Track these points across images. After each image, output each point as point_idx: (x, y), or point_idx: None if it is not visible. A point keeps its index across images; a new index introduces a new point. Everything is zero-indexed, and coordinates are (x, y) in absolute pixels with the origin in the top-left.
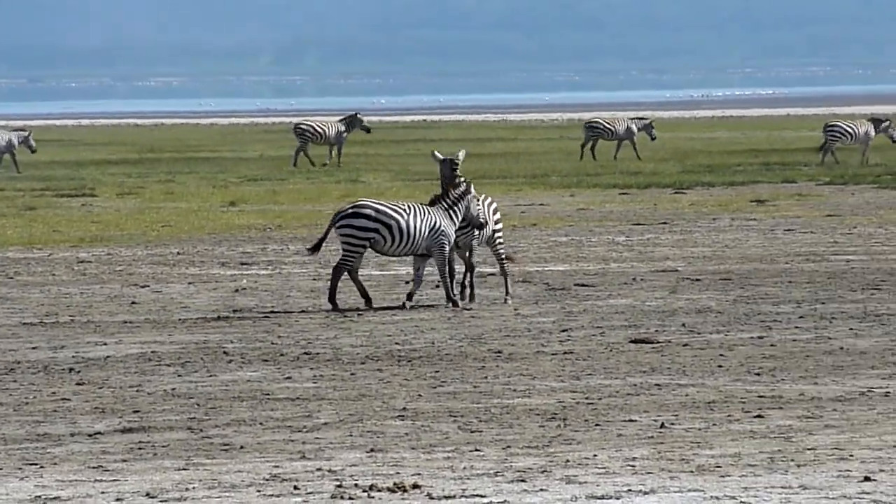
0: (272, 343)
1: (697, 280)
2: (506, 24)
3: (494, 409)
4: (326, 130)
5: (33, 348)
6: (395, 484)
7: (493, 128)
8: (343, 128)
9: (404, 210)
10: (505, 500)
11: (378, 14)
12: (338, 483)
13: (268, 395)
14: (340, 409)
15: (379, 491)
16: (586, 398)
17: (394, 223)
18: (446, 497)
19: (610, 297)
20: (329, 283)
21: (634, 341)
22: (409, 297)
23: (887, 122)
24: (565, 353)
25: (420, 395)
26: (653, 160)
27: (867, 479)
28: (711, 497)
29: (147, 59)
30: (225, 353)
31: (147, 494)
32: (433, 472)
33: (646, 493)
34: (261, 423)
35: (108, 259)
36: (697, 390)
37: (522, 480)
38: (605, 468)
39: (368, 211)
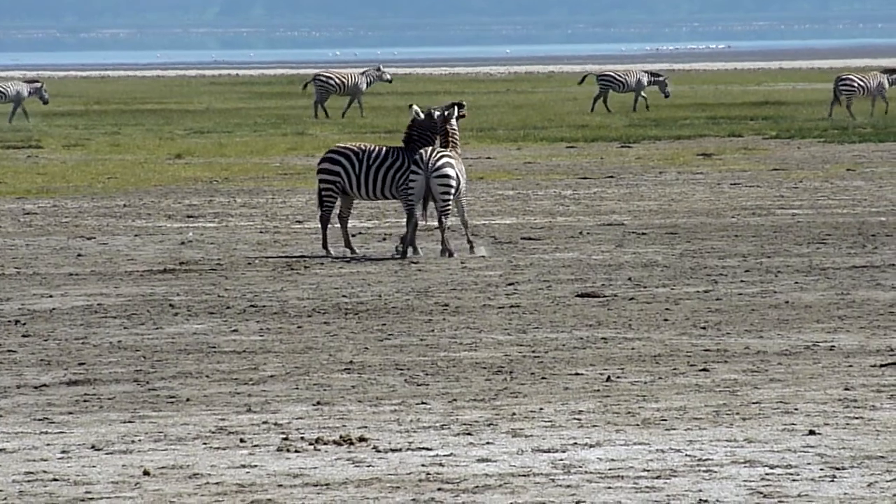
0: (218, 296)
1: (643, 234)
2: None
3: (441, 363)
4: (346, 82)
5: None
6: (341, 437)
7: (441, 81)
8: (363, 79)
9: (457, 160)
10: (451, 454)
11: None
12: (284, 436)
13: (214, 347)
14: (286, 362)
15: (325, 444)
16: (532, 352)
17: (460, 173)
18: (392, 450)
19: (556, 251)
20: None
21: (581, 295)
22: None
23: None
24: (512, 306)
25: (366, 349)
26: (599, 113)
27: (812, 432)
28: (657, 450)
29: (93, 11)
30: (171, 305)
31: (92, 447)
32: (379, 426)
33: (591, 446)
34: (207, 376)
35: (53, 211)
36: (643, 344)
37: (468, 434)
38: (550, 421)
39: (453, 161)
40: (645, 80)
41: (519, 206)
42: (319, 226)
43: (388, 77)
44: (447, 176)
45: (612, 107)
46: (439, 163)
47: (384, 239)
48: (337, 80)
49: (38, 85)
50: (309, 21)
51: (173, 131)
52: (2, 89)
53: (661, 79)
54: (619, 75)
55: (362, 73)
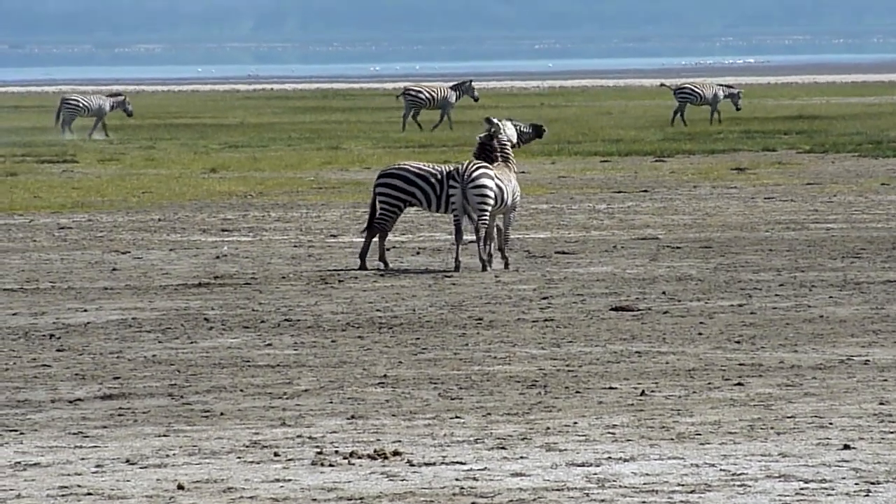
0: (253, 310)
1: (678, 248)
2: None
3: (475, 377)
4: (436, 95)
5: (14, 314)
6: (375, 451)
7: None
8: (453, 93)
9: (503, 176)
10: (485, 468)
11: None
12: (318, 450)
13: (248, 361)
14: (321, 376)
15: (359, 458)
16: (566, 365)
17: (503, 188)
18: (426, 464)
19: (590, 265)
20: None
21: (615, 309)
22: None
23: None
24: (546, 320)
25: (401, 362)
26: (634, 128)
27: (846, 447)
28: (691, 464)
29: (128, 25)
30: (206, 319)
31: (127, 461)
32: (413, 439)
33: (626, 460)
34: (241, 390)
35: (88, 225)
36: (677, 358)
37: (502, 448)
38: (584, 435)
39: (492, 173)
40: (721, 93)
41: (553, 220)
42: (378, 240)
43: (476, 94)
44: (483, 186)
45: (647, 121)
46: (475, 174)
47: (418, 253)
48: (427, 94)
49: (122, 98)
50: (342, 35)
51: (208, 146)
52: (85, 103)
53: (735, 91)
54: (697, 88)
55: (451, 87)
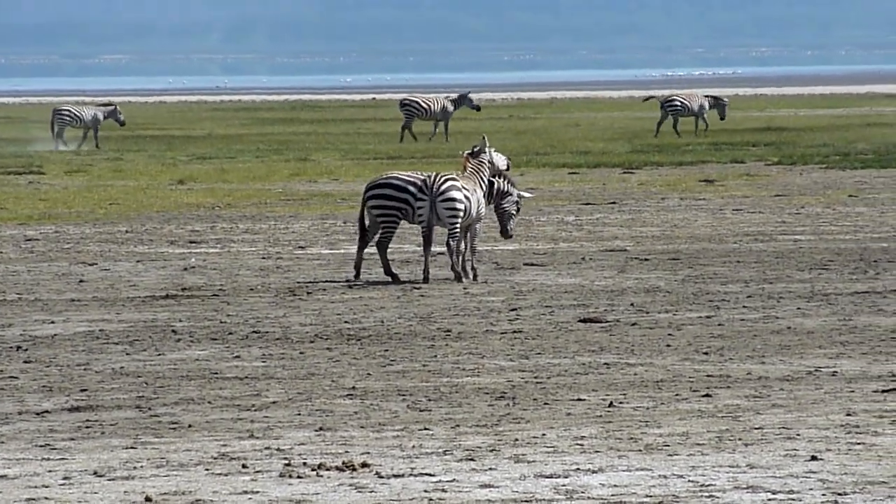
0: (221, 322)
1: (646, 260)
2: (455, 4)
3: (443, 388)
4: (432, 106)
5: None
6: (343, 463)
7: None
8: (451, 104)
9: (469, 188)
10: (454, 479)
11: None
12: (286, 462)
13: (216, 373)
14: (289, 388)
15: (328, 470)
16: (535, 377)
17: (470, 199)
18: (395, 476)
19: (559, 277)
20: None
21: (583, 320)
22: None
23: None
24: (514, 332)
25: (369, 374)
26: (602, 140)
27: (814, 458)
28: (659, 476)
29: (96, 37)
30: (173, 331)
31: (95, 473)
32: (382, 451)
33: (594, 471)
34: (209, 402)
35: (55, 237)
36: (646, 369)
37: (471, 459)
38: (553, 447)
39: (460, 184)
40: (707, 104)
41: (522, 231)
42: (380, 253)
43: (476, 103)
44: (453, 199)
45: (616, 133)
46: (444, 186)
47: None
48: (423, 105)
49: (113, 108)
50: (311, 47)
51: (176, 157)
52: (78, 114)
53: (722, 102)
54: (684, 99)
55: (447, 98)
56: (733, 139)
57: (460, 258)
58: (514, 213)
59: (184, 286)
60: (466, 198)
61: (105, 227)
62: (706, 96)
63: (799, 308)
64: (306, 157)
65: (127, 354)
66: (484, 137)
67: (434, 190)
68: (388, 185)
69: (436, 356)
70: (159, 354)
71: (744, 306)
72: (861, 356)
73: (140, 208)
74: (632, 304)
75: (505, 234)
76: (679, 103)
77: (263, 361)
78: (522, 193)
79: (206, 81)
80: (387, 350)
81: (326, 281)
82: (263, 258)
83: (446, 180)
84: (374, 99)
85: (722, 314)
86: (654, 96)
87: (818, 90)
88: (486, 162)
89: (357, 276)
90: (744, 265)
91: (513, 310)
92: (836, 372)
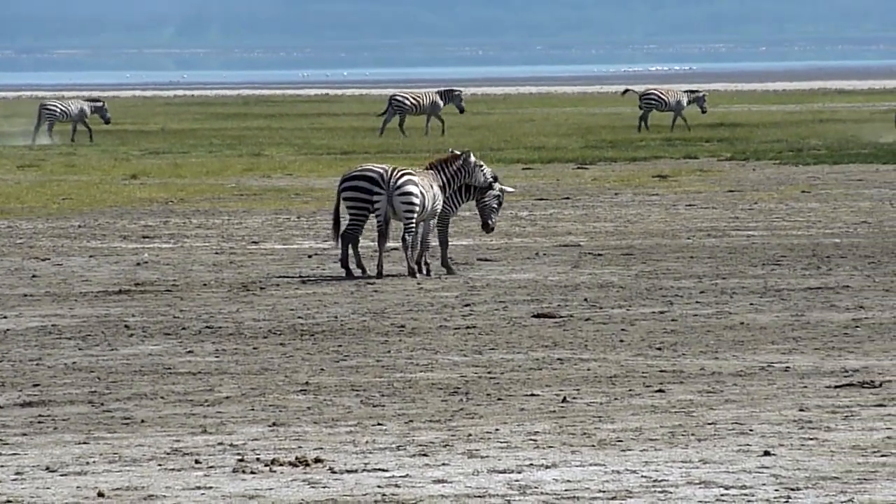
0: (174, 317)
1: (599, 255)
2: None
3: (397, 384)
4: (422, 101)
5: None
6: (297, 458)
7: None
8: (440, 99)
9: (424, 183)
10: (407, 475)
11: None
12: (239, 457)
13: (169, 369)
14: (242, 384)
15: (281, 465)
16: (488, 372)
17: (426, 194)
18: (348, 471)
19: (512, 272)
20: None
21: (537, 316)
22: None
23: None
24: (468, 327)
25: (322, 370)
26: (555, 135)
27: (767, 453)
28: (612, 471)
29: (49, 31)
30: (126, 326)
31: (47, 468)
32: (335, 447)
33: (547, 467)
34: (162, 397)
35: (8, 232)
36: (599, 365)
37: (424, 455)
38: (506, 442)
39: (417, 180)
40: (685, 99)
41: (475, 227)
42: (343, 245)
43: (463, 104)
44: (409, 193)
45: (569, 129)
46: (401, 181)
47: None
48: (412, 101)
49: (100, 104)
50: (265, 42)
51: (129, 152)
52: (64, 108)
53: (700, 95)
54: (662, 94)
55: (437, 93)
56: (686, 135)
57: (415, 253)
58: (496, 207)
59: (137, 281)
60: (422, 193)
61: (58, 223)
62: (685, 91)
63: (752, 304)
64: (260, 152)
65: (79, 349)
66: (470, 153)
67: (391, 184)
68: (362, 178)
69: (389, 352)
70: (112, 349)
71: (697, 302)
72: (814, 352)
73: (93, 203)
74: (585, 300)
75: (487, 228)
76: (655, 97)
77: (216, 357)
78: (505, 188)
79: (161, 76)
80: (340, 345)
81: (280, 276)
82: (217, 253)
83: (403, 174)
84: (326, 94)
85: (675, 310)
86: (631, 89)
87: (771, 86)
88: (462, 169)
89: (361, 271)
90: (697, 261)
91: (466, 305)
92: (788, 367)
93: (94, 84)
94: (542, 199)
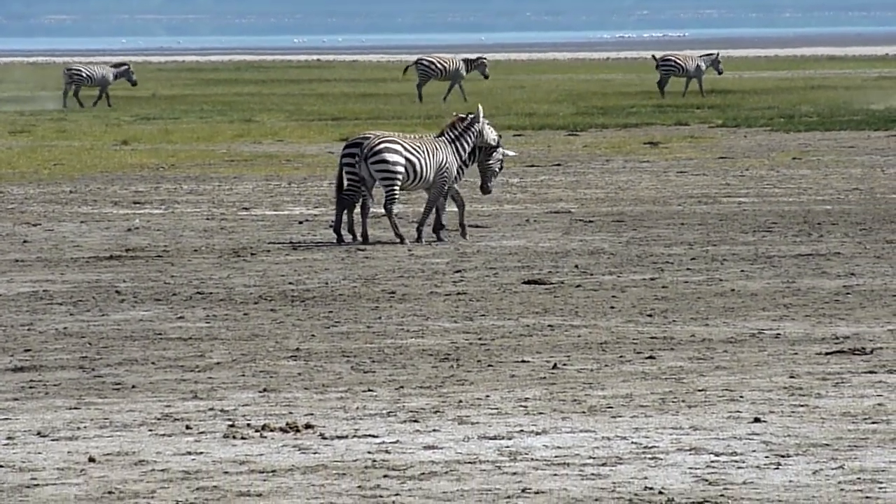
0: (164, 283)
1: (590, 222)
2: None
3: (387, 350)
4: (448, 66)
5: None
6: (287, 424)
7: (387, 68)
8: (464, 67)
9: (421, 149)
10: (397, 441)
11: None
12: (230, 423)
13: (160, 334)
14: (233, 349)
15: (271, 430)
16: (479, 339)
17: (416, 161)
18: (339, 437)
19: (503, 239)
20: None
21: (527, 282)
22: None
23: None
24: (458, 294)
25: (313, 336)
26: (546, 101)
27: (757, 420)
28: (603, 437)
29: None
30: (117, 292)
31: (38, 433)
32: (326, 413)
33: (538, 433)
34: (153, 363)
35: None
36: (590, 331)
37: (415, 421)
38: (497, 409)
39: (398, 147)
40: (703, 64)
41: (466, 193)
42: (337, 209)
43: (487, 71)
44: (383, 161)
45: (560, 95)
46: (376, 147)
47: (331, 226)
48: (438, 65)
49: (125, 67)
50: (256, 8)
51: (119, 118)
52: (88, 72)
53: (713, 56)
54: (680, 60)
55: (463, 60)
56: (677, 101)
57: (424, 219)
58: (497, 170)
59: (128, 247)
60: (408, 160)
61: (49, 188)
62: (701, 56)
63: (742, 270)
64: (250, 118)
65: (70, 315)
66: (479, 107)
67: (365, 151)
68: (352, 145)
69: (380, 318)
70: (103, 315)
71: (687, 268)
72: (804, 318)
73: (84, 169)
74: (576, 266)
75: (486, 190)
76: (673, 62)
77: (207, 322)
78: (506, 152)
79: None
80: (331, 312)
81: (270, 242)
82: (207, 219)
83: (381, 142)
84: (318, 60)
85: (666, 276)
86: (655, 55)
87: (762, 52)
88: (471, 130)
89: (353, 238)
90: (688, 227)
91: (457, 272)
92: (779, 334)
93: (82, 49)
94: (532, 166)
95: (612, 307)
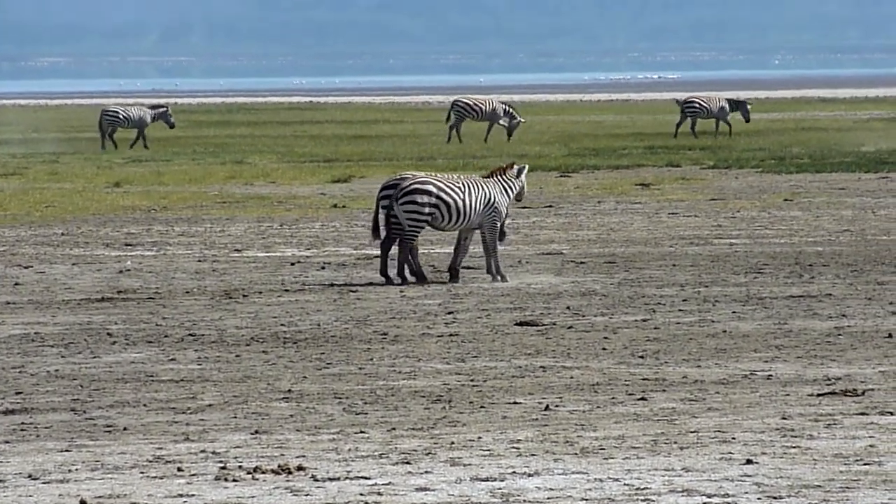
0: (156, 324)
1: (582, 263)
2: (391, 6)
3: (379, 391)
4: (484, 108)
5: None
6: (279, 466)
7: (380, 110)
8: (500, 108)
9: (460, 188)
10: (389, 482)
11: None
12: (222, 465)
13: (152, 376)
14: (225, 391)
15: (263, 473)
16: (471, 380)
17: (451, 202)
18: (331, 479)
19: (495, 280)
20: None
21: (519, 324)
22: (452, 270)
23: None
24: (451, 335)
25: (305, 377)
26: (538, 143)
27: (749, 461)
28: (595, 479)
29: (31, 39)
30: (109, 334)
31: (29, 476)
32: (318, 454)
33: (530, 475)
34: (144, 405)
35: None
36: (582, 373)
37: (407, 462)
38: (489, 450)
39: (430, 188)
40: (728, 106)
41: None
42: (402, 253)
43: (518, 121)
44: (412, 202)
45: (552, 137)
46: (408, 189)
47: (323, 268)
48: (475, 107)
49: (163, 109)
50: (248, 50)
51: (111, 160)
52: (125, 114)
53: (743, 102)
54: (704, 102)
55: (502, 102)
56: (669, 143)
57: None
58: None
59: (119, 289)
60: (444, 201)
61: (41, 230)
62: (727, 99)
63: (734, 312)
64: (242, 159)
65: (62, 357)
66: (525, 166)
67: (398, 192)
68: (393, 186)
69: (372, 359)
70: (94, 357)
71: (679, 310)
72: (796, 360)
73: (76, 211)
74: (568, 308)
75: (503, 236)
76: (698, 105)
77: (199, 364)
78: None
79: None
80: (323, 353)
81: (262, 284)
82: (199, 261)
83: (413, 183)
84: (310, 102)
85: (658, 317)
86: (678, 99)
87: (753, 94)
88: (515, 181)
89: (401, 278)
90: (679, 269)
91: (449, 313)
92: (771, 375)
93: (74, 92)
94: (524, 207)
95: (604, 348)
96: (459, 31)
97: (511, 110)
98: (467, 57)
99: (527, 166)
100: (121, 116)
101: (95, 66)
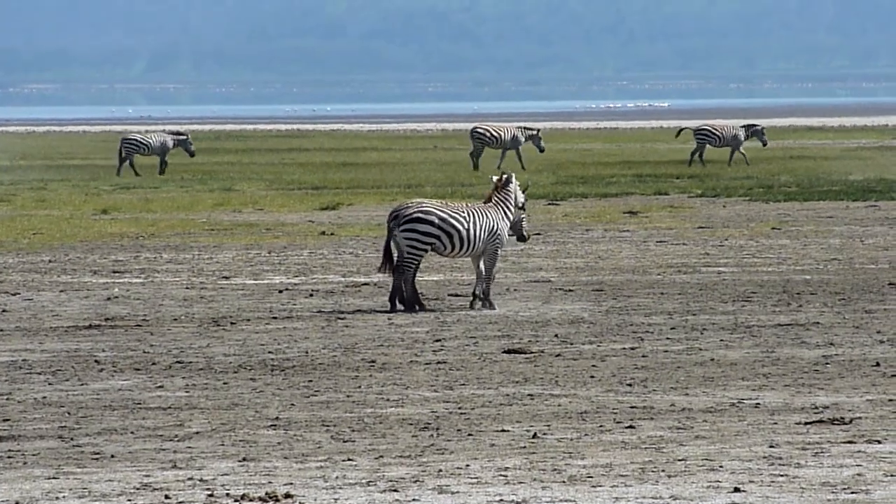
0: (144, 352)
1: (570, 291)
2: (380, 34)
3: (367, 419)
4: (503, 135)
5: None
6: (267, 493)
7: (368, 138)
8: (521, 134)
9: (465, 216)
10: None
11: (252, 22)
12: (209, 492)
13: (139, 403)
14: (212, 419)
15: (251, 500)
16: (459, 408)
17: (456, 230)
18: None
19: (483, 308)
20: (392, 284)
21: (507, 351)
22: (475, 296)
23: None
24: (438, 363)
25: (293, 405)
26: (526, 171)
27: (737, 489)
28: None
29: (19, 66)
30: (96, 361)
31: (16, 503)
32: (305, 482)
33: (518, 502)
34: (132, 432)
35: None
36: (570, 400)
37: (395, 490)
38: (477, 478)
39: (433, 217)
40: (742, 134)
41: (446, 262)
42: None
43: (542, 145)
44: (413, 230)
45: (540, 164)
46: (409, 216)
47: (311, 295)
48: (492, 134)
49: (184, 137)
50: (236, 77)
51: (99, 187)
52: (146, 141)
53: (758, 128)
54: (717, 130)
55: (518, 128)
56: (657, 171)
57: (480, 286)
58: (522, 225)
59: (107, 316)
60: (446, 231)
61: (28, 257)
62: (741, 126)
63: (722, 340)
64: (230, 187)
65: (49, 384)
66: (511, 173)
67: (401, 219)
68: (424, 221)
69: (360, 387)
70: (82, 384)
71: (667, 338)
72: (784, 388)
73: (63, 238)
74: (556, 336)
75: (525, 239)
76: (709, 132)
77: (187, 391)
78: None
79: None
80: (310, 380)
81: (250, 311)
82: (187, 288)
83: (416, 211)
84: (298, 129)
85: (645, 345)
86: (684, 129)
87: (742, 122)
88: (511, 192)
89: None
90: (667, 297)
91: (437, 341)
92: (759, 404)
93: (60, 119)
94: (512, 235)
95: (592, 376)
96: (448, 60)
97: (531, 132)
98: (456, 85)
99: (513, 175)
100: (141, 143)
101: (83, 93)
